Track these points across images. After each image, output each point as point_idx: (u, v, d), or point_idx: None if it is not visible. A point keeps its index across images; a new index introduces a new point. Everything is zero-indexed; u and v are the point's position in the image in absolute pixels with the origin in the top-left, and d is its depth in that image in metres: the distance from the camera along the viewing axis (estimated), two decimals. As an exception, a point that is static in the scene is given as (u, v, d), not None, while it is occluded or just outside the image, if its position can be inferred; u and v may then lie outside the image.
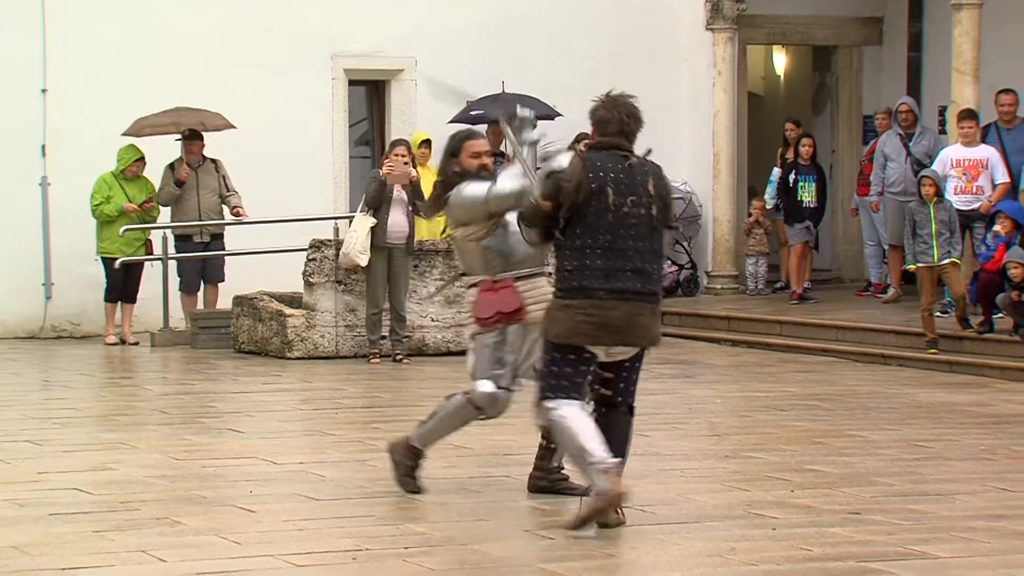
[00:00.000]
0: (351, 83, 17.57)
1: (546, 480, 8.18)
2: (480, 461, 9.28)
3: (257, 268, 15.70)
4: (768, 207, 18.03)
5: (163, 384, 13.39)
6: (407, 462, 8.24)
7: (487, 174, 7.99)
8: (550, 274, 7.89)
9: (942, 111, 17.37)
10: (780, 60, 21.54)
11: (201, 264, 15.75)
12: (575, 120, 17.30)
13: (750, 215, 18.52)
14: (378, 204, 13.90)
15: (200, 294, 15.88)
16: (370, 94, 18.04)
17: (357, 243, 13.96)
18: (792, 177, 17.37)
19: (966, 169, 15.26)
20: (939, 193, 14.30)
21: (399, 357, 14.06)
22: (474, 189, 7.85)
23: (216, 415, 11.27)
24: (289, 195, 16.49)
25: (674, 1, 18.57)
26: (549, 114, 17.35)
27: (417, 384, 13.01)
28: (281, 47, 16.93)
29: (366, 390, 12.65)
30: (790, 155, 17.63)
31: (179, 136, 15.66)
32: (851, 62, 19.62)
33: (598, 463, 7.25)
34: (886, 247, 17.15)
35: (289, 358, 14.23)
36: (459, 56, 17.43)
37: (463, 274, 8.20)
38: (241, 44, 16.80)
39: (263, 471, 8.96)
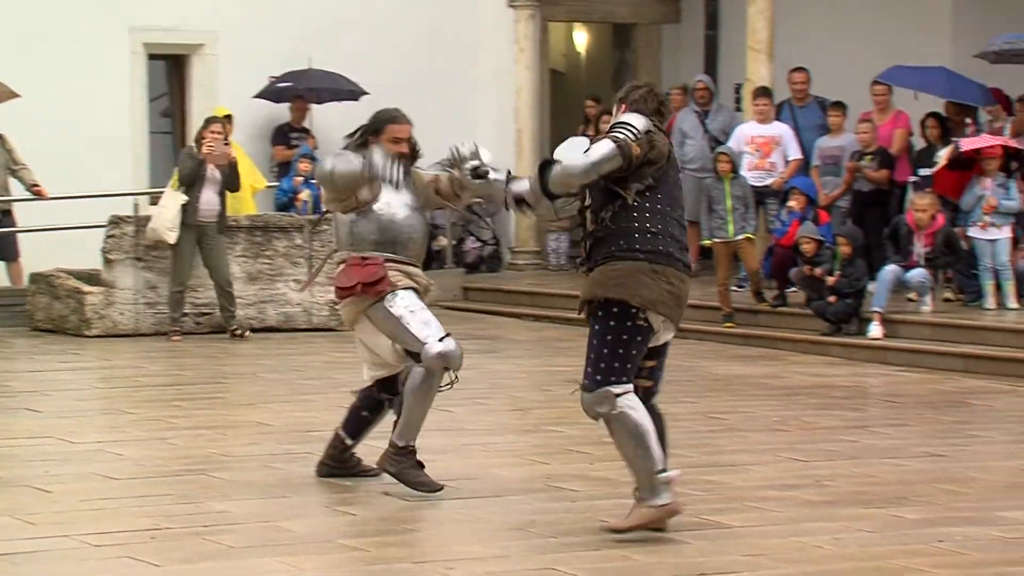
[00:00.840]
0: (151, 57, 17.31)
1: (340, 468, 8.06)
2: (282, 438, 9.25)
3: (55, 245, 15.39)
4: (570, 183, 18.18)
5: (-44, 364, 13.09)
6: (407, 464, 7.65)
7: (403, 163, 7.80)
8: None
9: (738, 88, 17.70)
10: (581, 38, 21.74)
11: (-11, 242, 15.40)
12: (381, 98, 17.32)
13: (552, 191, 18.66)
14: (192, 182, 13.79)
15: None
16: (170, 68, 17.81)
17: (166, 220, 13.82)
18: (593, 153, 17.53)
19: (760, 146, 15.57)
20: (734, 169, 14.58)
21: (237, 332, 13.96)
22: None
23: (11, 394, 11.04)
24: (87, 171, 16.19)
25: (477, -22, 18.65)
26: (354, 91, 17.33)
27: (218, 361, 12.91)
28: (78, 20, 16.60)
29: (166, 368, 12.52)
30: (591, 132, 17.79)
31: None
32: (650, 40, 19.88)
33: (664, 474, 6.79)
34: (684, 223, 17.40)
35: (87, 336, 14.02)
36: (263, 30, 17.29)
37: (336, 251, 7.93)
38: (37, 17, 16.44)
39: (59, 451, 8.82)
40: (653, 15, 19.84)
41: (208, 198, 13.87)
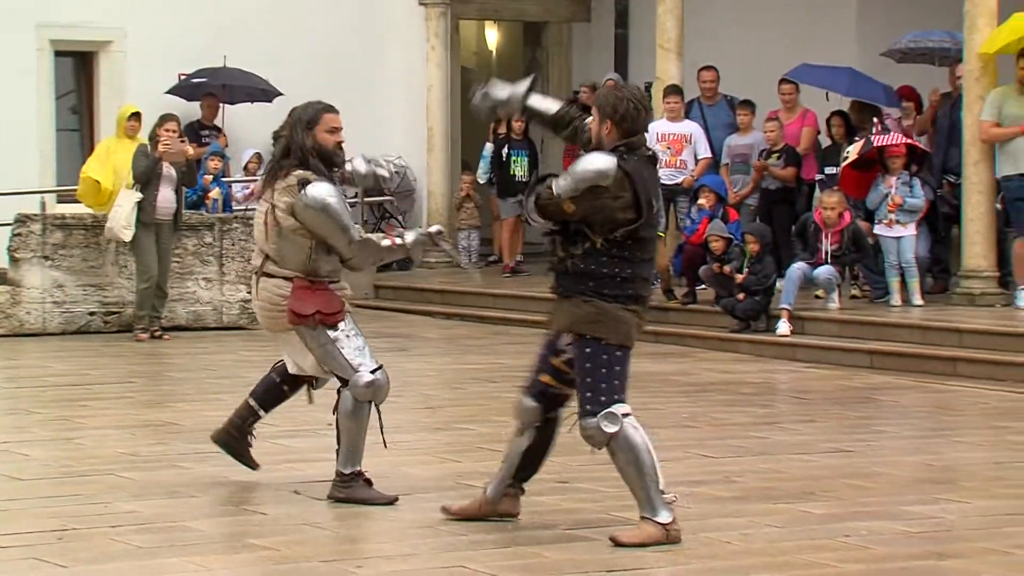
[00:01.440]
0: (57, 54, 17.15)
1: (236, 443, 7.91)
2: (191, 437, 9.20)
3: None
4: (482, 181, 18.22)
5: None
6: (357, 485, 7.58)
7: (342, 153, 7.67)
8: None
9: (648, 87, 17.74)
10: (492, 35, 21.77)
11: None
12: (294, 97, 17.19)
13: (461, 189, 18.69)
14: (148, 180, 13.70)
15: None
16: (78, 65, 17.65)
17: (121, 218, 13.74)
18: (505, 151, 17.58)
19: (671, 143, 15.66)
20: (645, 168, 14.63)
21: (157, 333, 13.87)
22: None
23: (-85, 395, 10.94)
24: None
25: (388, -25, 18.63)
26: (267, 91, 17.25)
27: (127, 361, 12.81)
28: (-18, 16, 16.44)
29: (74, 367, 12.41)
30: (502, 130, 17.83)
31: None
32: (561, 38, 19.96)
33: (666, 494, 6.87)
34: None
35: (-7, 335, 13.89)
36: (172, 28, 17.17)
37: (268, 259, 7.57)
38: (-61, 12, 16.28)
39: (-35, 452, 8.74)
40: (563, 13, 19.90)
41: (165, 195, 13.85)
